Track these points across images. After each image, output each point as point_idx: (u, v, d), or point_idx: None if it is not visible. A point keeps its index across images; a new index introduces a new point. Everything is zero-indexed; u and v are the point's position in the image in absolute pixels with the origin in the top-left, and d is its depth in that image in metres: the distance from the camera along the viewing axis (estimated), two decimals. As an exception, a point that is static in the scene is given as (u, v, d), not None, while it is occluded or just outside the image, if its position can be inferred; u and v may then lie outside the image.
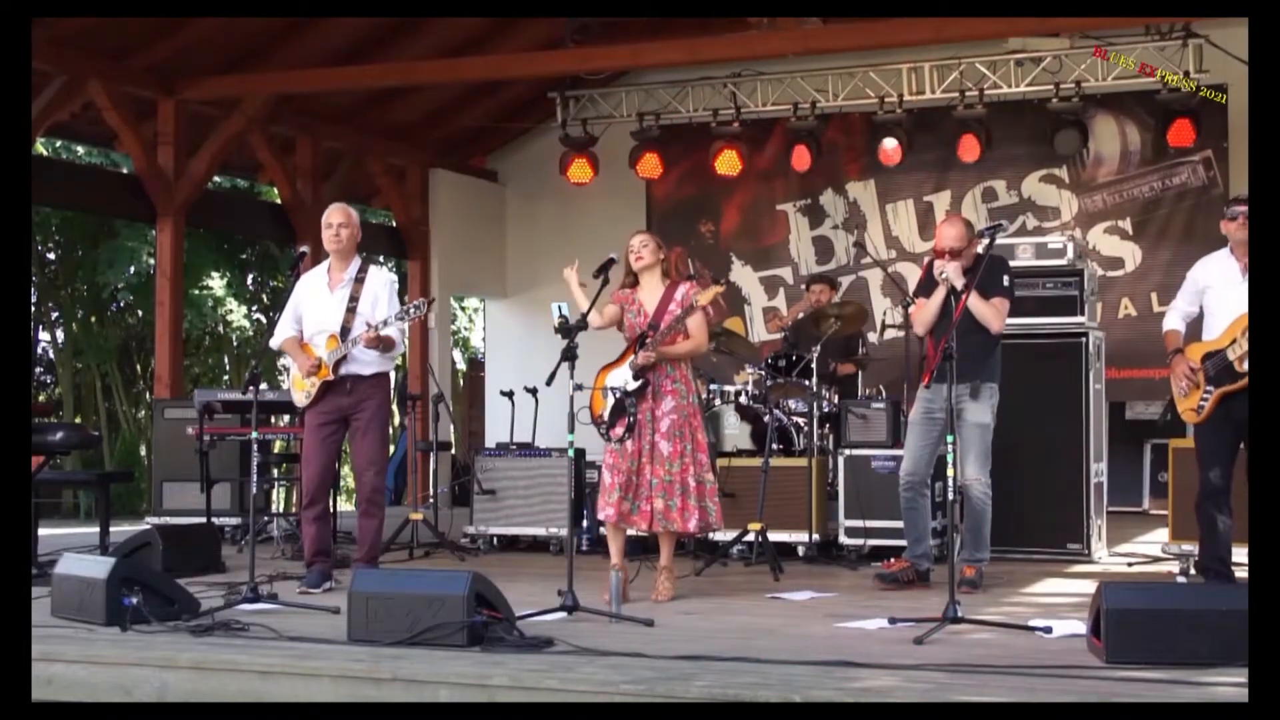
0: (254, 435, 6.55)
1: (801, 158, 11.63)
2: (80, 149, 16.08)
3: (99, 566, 5.65)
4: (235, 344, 19.58)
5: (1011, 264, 7.37)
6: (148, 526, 8.00)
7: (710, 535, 8.26)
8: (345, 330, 6.74)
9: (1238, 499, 6.30)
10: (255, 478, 6.67)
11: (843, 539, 8.08)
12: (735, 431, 8.68)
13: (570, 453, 6.12)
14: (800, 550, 8.05)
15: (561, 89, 12.27)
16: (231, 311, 18.83)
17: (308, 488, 6.82)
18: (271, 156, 11.76)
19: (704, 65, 11.63)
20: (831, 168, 12.55)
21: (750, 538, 7.85)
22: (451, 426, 12.47)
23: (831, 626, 5.63)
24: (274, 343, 7.14)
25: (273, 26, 10.48)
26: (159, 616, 5.45)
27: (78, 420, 17.84)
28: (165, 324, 10.82)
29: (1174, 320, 6.52)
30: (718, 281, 6.89)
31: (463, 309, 20.43)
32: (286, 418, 10.32)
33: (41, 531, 7.61)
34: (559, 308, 6.17)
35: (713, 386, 8.91)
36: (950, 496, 6.29)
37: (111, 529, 8.18)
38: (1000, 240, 6.73)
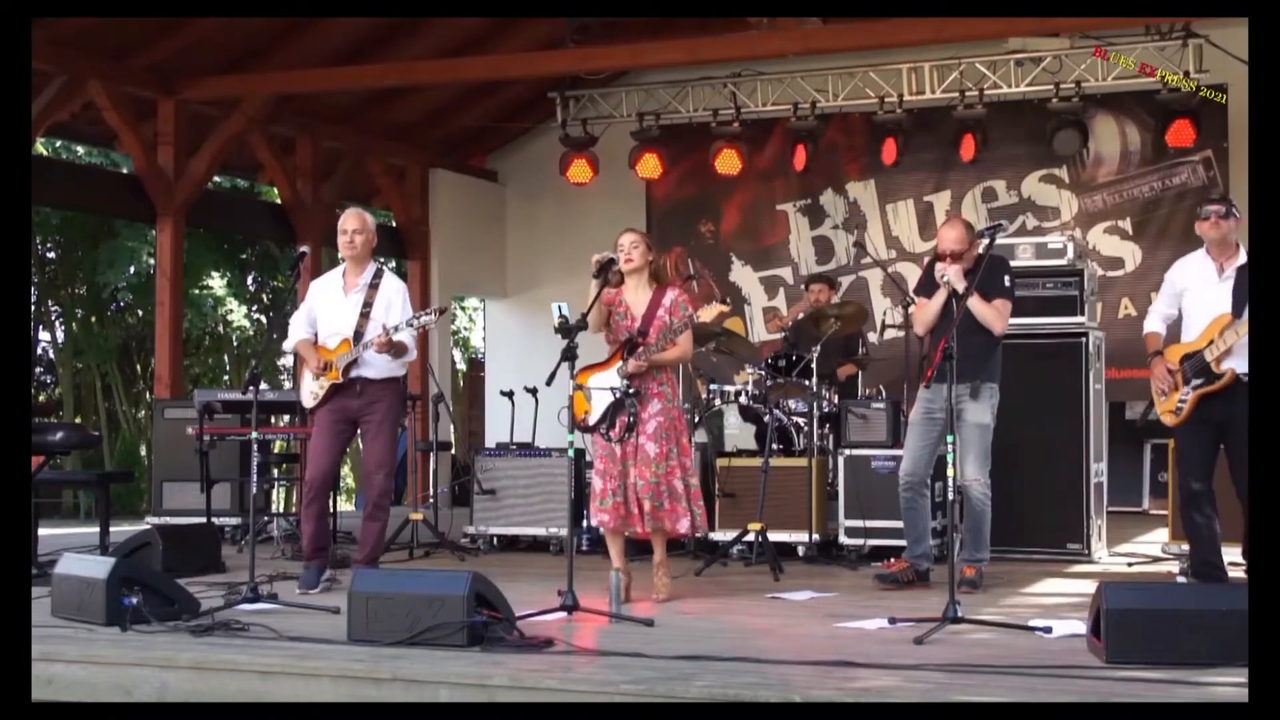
0: (254, 435, 6.55)
1: (798, 157, 11.64)
2: (80, 149, 16.09)
3: (99, 566, 5.65)
4: (235, 344, 19.59)
5: (1011, 264, 7.37)
6: (148, 526, 8.00)
7: (708, 535, 8.28)
8: (358, 334, 6.77)
9: (1222, 500, 6.32)
10: (255, 478, 6.68)
11: (843, 539, 8.08)
12: (735, 431, 8.68)
13: (570, 453, 6.12)
14: (800, 550, 8.05)
15: (561, 89, 12.27)
16: (231, 311, 18.84)
17: (310, 484, 6.83)
18: (271, 156, 11.76)
19: (704, 65, 11.64)
20: (831, 168, 12.55)
21: (750, 538, 7.85)
22: (451, 426, 12.47)
23: (831, 626, 5.63)
24: (287, 345, 7.16)
25: (273, 26, 10.48)
26: (159, 616, 5.45)
27: (78, 420, 17.84)
28: (165, 324, 10.83)
29: (1154, 322, 6.55)
30: (724, 301, 6.85)
31: (463, 309, 20.43)
32: (286, 418, 10.33)
33: (41, 531, 7.61)
34: (559, 308, 6.17)
35: (713, 386, 8.92)
36: (950, 496, 6.29)
37: (111, 529, 8.18)
38: (1000, 240, 6.73)
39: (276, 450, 9.77)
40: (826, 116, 11.86)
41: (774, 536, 7.81)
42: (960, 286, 6.58)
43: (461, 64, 11.15)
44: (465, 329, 21.28)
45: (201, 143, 11.01)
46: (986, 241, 6.28)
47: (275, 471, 10.00)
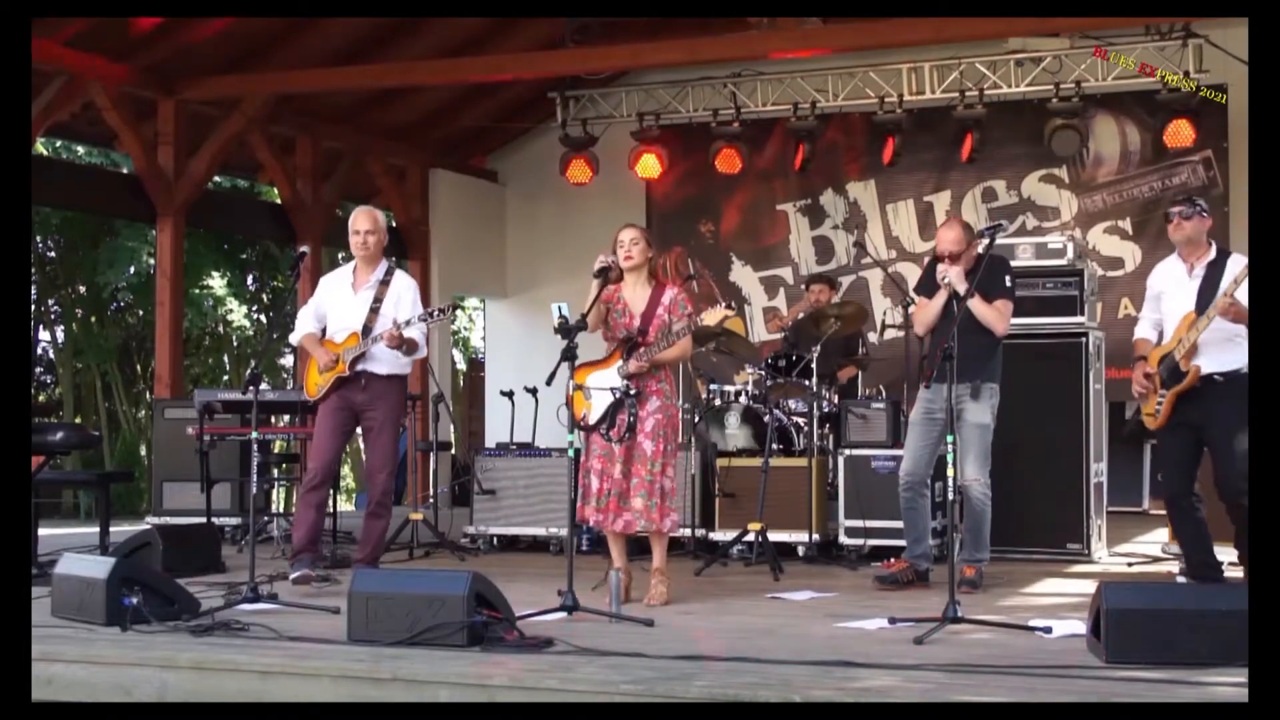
0: (254, 435, 6.55)
1: (798, 157, 11.65)
2: (80, 149, 16.09)
3: (99, 566, 5.65)
4: (235, 344, 19.60)
5: (1011, 264, 7.37)
6: (148, 526, 8.00)
7: (708, 535, 8.29)
8: (367, 329, 6.78)
9: (1213, 501, 6.32)
10: (255, 478, 6.68)
11: (843, 539, 8.08)
12: (735, 431, 8.68)
13: (570, 453, 6.12)
14: (800, 550, 8.05)
15: (561, 89, 12.27)
16: (231, 311, 18.85)
17: (314, 472, 6.81)
18: (271, 156, 11.76)
19: (704, 65, 11.64)
20: (831, 168, 12.55)
21: (750, 538, 7.85)
22: (451, 426, 12.47)
23: (831, 626, 5.63)
24: (294, 338, 7.17)
25: (273, 26, 10.48)
26: (159, 616, 5.45)
27: (78, 420, 17.85)
28: (165, 324, 10.83)
29: (1143, 328, 6.58)
30: (729, 305, 6.87)
31: (463, 309, 20.43)
32: (286, 418, 10.33)
33: (41, 531, 7.61)
34: (559, 308, 6.17)
35: (713, 386, 8.92)
36: (950, 496, 6.29)
37: (111, 529, 8.18)
38: (1000, 240, 6.74)
39: (276, 450, 9.77)
40: (826, 116, 11.86)
41: (774, 536, 7.81)
42: (961, 288, 6.58)
43: (461, 64, 11.15)
44: (465, 329, 21.29)
45: (201, 143, 11.01)
46: (986, 241, 6.28)
47: (275, 471, 9.99)
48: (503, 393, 10.56)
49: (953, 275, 6.65)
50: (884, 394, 9.15)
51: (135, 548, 7.33)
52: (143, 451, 17.87)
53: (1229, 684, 4.19)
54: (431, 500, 9.62)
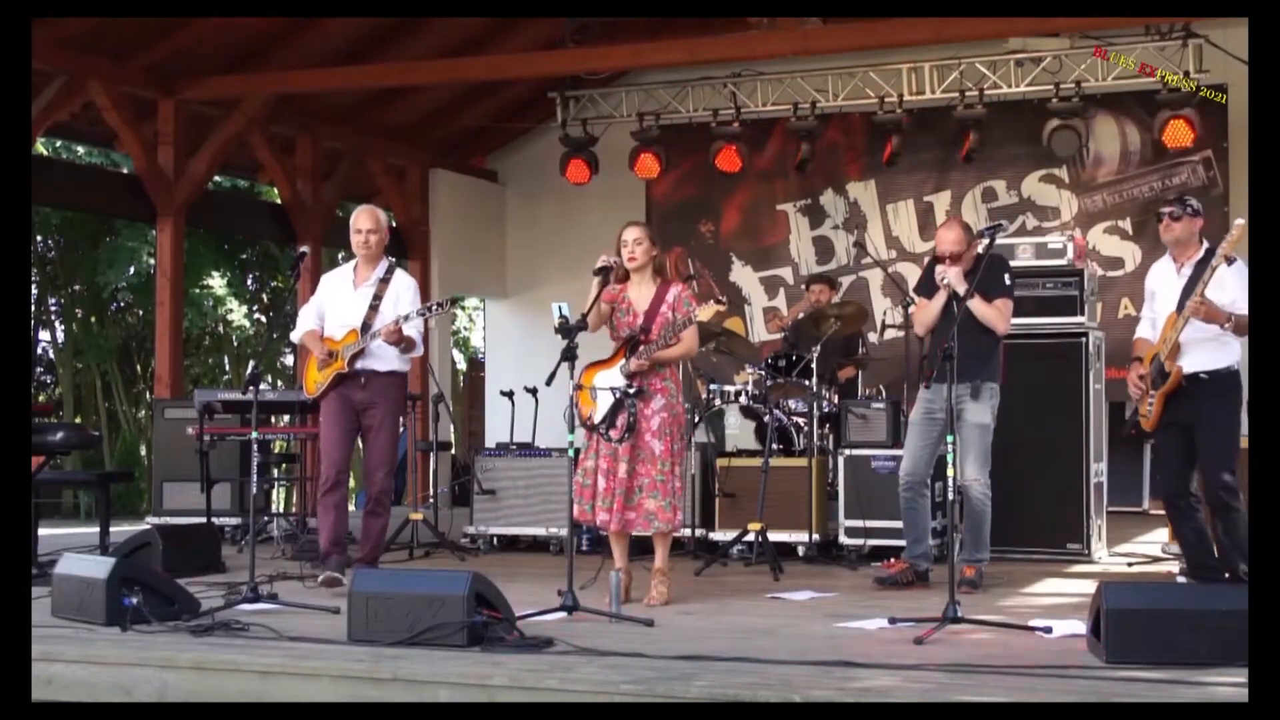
0: (254, 435, 6.56)
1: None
2: (80, 149, 16.09)
3: (99, 566, 5.65)
4: (235, 344, 19.60)
5: (1011, 264, 7.37)
6: (148, 526, 8.00)
7: (708, 535, 8.29)
8: (366, 326, 6.80)
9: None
10: (255, 478, 6.68)
11: (843, 539, 8.08)
12: (736, 431, 8.68)
13: (570, 453, 6.12)
14: (800, 550, 8.05)
15: (561, 89, 12.27)
16: (231, 311, 18.85)
17: (327, 476, 6.81)
18: (271, 156, 11.76)
19: (704, 65, 11.63)
20: (831, 168, 12.55)
21: (750, 538, 7.85)
22: (451, 426, 12.47)
23: (831, 626, 5.63)
24: (295, 335, 7.18)
25: (273, 26, 10.48)
26: (159, 616, 5.45)
27: (78, 420, 17.85)
28: (165, 324, 10.83)
29: (1142, 328, 6.60)
30: (719, 300, 6.87)
31: (463, 309, 20.43)
32: (286, 418, 10.33)
33: (41, 531, 7.61)
34: (559, 308, 6.17)
35: (713, 386, 8.92)
36: (950, 496, 6.29)
37: (111, 529, 8.18)
38: (1000, 240, 6.74)
39: (276, 450, 9.78)
40: (826, 116, 11.86)
41: (774, 536, 7.81)
42: (961, 289, 6.58)
43: (461, 64, 11.15)
44: (465, 329, 21.29)
45: (201, 143, 11.01)
46: (987, 241, 6.29)
47: (275, 471, 10.00)
48: (503, 393, 10.56)
49: (951, 276, 6.65)
50: (884, 394, 9.15)
51: (135, 548, 7.33)
52: (143, 451, 17.87)
53: (1229, 684, 4.19)
54: (431, 500, 9.62)
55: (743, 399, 8.74)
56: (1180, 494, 6.28)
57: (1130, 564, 7.82)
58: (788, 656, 4.74)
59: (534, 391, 9.61)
